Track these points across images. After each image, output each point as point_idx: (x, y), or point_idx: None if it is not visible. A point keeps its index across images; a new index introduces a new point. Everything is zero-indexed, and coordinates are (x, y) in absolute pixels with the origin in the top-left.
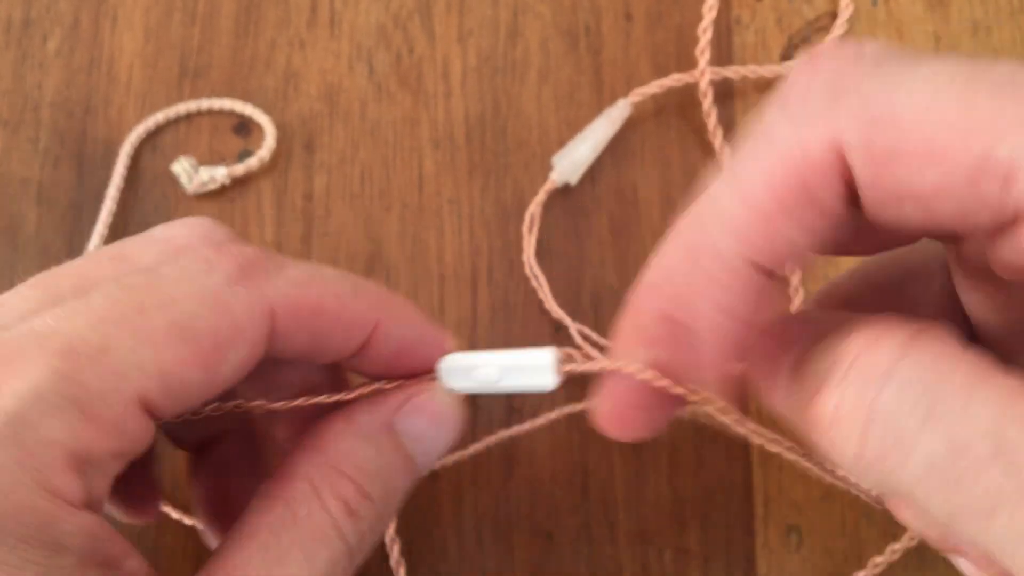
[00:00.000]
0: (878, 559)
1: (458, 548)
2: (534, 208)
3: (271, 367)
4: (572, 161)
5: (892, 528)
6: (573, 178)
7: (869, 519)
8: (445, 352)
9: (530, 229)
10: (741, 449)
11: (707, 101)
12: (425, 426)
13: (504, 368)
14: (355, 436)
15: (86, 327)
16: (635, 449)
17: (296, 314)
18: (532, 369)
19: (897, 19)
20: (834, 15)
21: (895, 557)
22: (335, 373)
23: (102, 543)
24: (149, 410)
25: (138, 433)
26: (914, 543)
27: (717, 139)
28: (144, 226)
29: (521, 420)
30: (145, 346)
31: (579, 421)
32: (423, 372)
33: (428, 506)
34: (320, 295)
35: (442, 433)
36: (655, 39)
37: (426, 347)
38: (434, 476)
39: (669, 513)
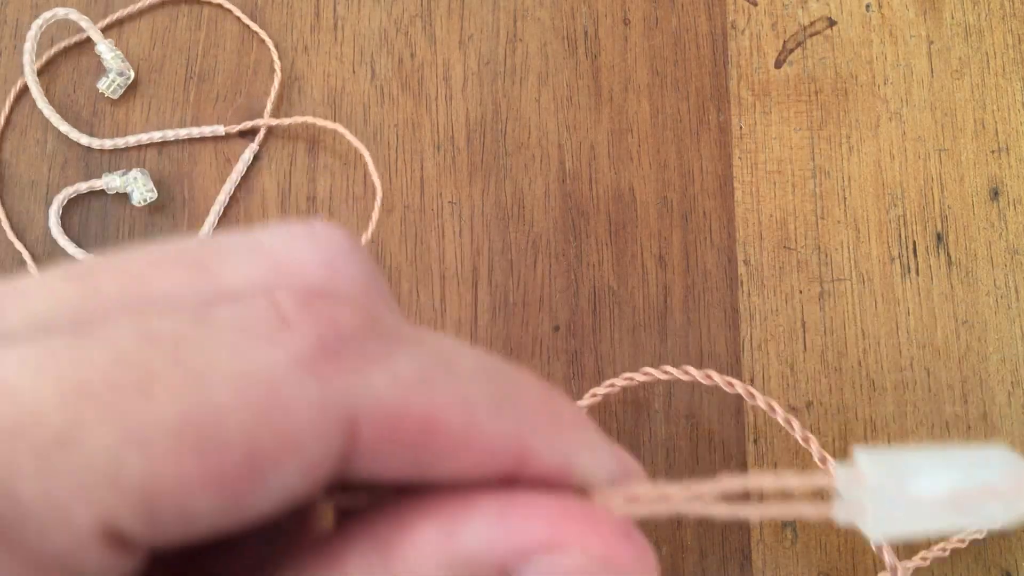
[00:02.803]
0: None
1: None
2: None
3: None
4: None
5: None
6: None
7: None
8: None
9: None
10: (737, 446)
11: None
12: None
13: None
14: (444, 560)
15: (51, 394)
16: (632, 447)
17: (393, 430)
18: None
19: (890, 23)
20: (829, 19)
21: (924, 563)
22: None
23: None
24: (119, 542)
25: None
26: (945, 554)
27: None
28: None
29: None
30: (131, 445)
31: None
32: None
33: None
34: (439, 402)
35: None
36: (652, 43)
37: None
38: None
39: None
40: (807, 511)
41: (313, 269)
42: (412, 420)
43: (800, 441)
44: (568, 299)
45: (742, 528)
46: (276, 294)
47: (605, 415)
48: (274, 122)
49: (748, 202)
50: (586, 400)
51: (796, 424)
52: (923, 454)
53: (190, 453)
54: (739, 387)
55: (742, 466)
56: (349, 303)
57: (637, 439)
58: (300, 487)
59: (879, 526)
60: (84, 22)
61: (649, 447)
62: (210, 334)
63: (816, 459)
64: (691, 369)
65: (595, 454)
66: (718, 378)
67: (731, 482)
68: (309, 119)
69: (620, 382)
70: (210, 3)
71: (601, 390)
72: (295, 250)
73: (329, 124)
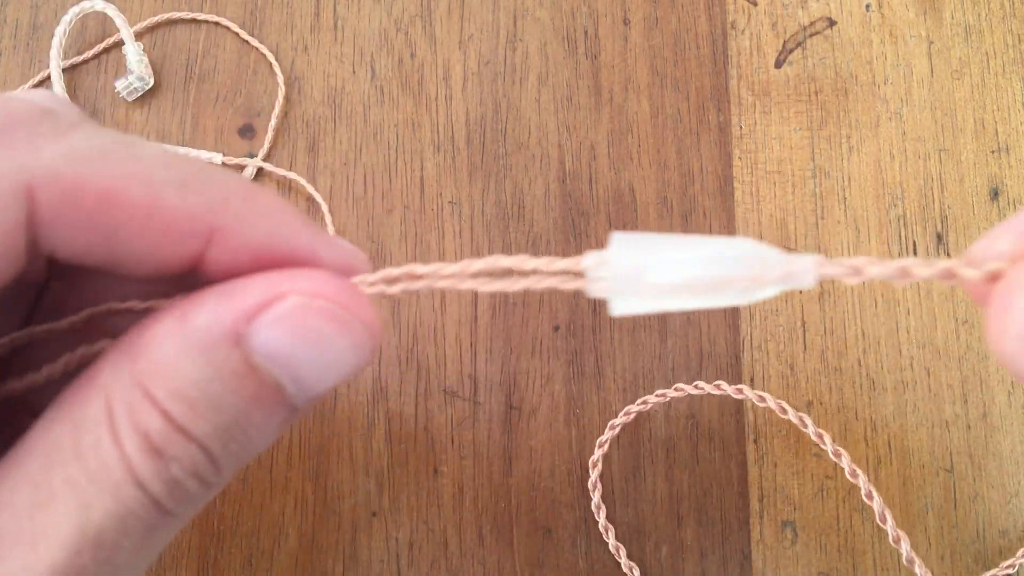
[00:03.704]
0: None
1: (459, 543)
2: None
3: (66, 290)
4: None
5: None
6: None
7: (863, 515)
8: (353, 271)
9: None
10: (737, 446)
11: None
12: (295, 344)
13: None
14: (181, 343)
15: None
16: (633, 445)
17: (72, 199)
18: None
19: (890, 23)
20: (829, 20)
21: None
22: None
23: None
24: None
25: None
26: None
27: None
28: None
29: (520, 418)
30: None
31: (578, 418)
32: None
33: (429, 501)
34: (117, 176)
35: (328, 355)
36: (652, 43)
37: (313, 264)
38: (435, 472)
39: (666, 508)
40: (562, 284)
41: (8, 94)
42: (90, 190)
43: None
44: (568, 299)
45: (742, 528)
46: None
47: (607, 414)
48: (266, 166)
49: (748, 202)
50: (620, 418)
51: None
52: (671, 242)
53: None
54: (776, 406)
55: (742, 465)
56: (24, 100)
57: (638, 438)
58: None
59: (621, 304)
60: (119, 20)
61: (649, 446)
62: None
63: (831, 453)
64: (724, 384)
65: (304, 234)
66: (748, 391)
67: (498, 260)
68: (293, 175)
69: (652, 398)
70: (206, 22)
71: (634, 407)
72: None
73: (311, 189)
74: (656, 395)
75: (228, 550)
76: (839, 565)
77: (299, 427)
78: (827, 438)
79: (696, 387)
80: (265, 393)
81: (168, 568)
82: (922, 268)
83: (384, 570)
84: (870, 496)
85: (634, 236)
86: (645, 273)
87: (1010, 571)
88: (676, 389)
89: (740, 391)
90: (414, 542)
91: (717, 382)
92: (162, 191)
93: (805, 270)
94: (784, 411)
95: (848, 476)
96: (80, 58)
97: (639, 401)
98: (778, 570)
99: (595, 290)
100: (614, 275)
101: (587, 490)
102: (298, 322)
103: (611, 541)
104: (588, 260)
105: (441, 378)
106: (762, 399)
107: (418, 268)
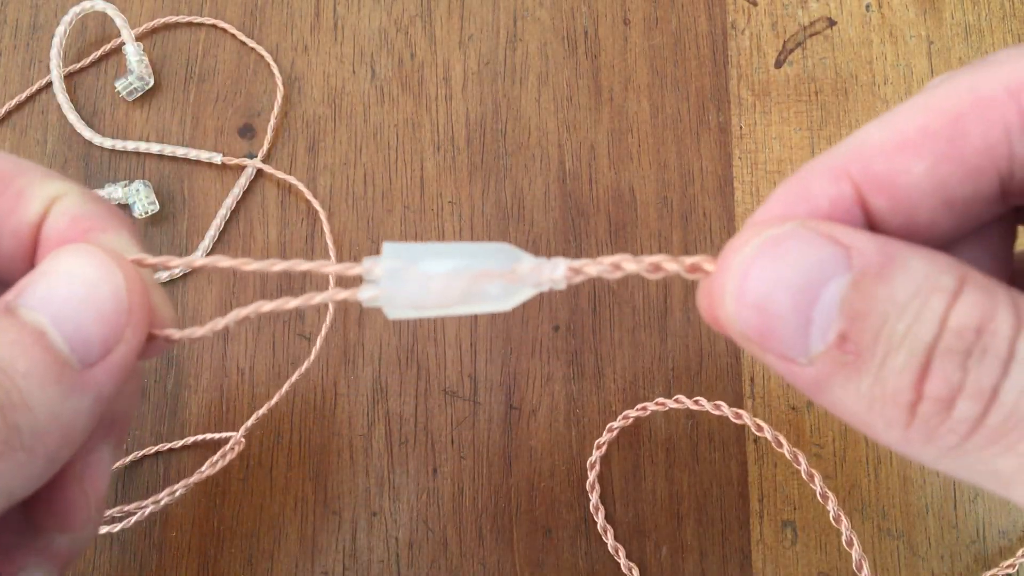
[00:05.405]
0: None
1: (459, 543)
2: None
3: None
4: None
5: (886, 524)
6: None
7: (863, 514)
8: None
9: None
10: (737, 446)
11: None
12: (46, 289)
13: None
14: None
15: None
16: (632, 445)
17: None
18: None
19: (890, 23)
20: (829, 20)
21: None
22: None
23: None
24: None
25: None
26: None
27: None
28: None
29: (520, 418)
30: None
31: (578, 418)
32: None
33: (429, 501)
34: None
35: (73, 291)
36: (652, 43)
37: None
38: (434, 471)
39: (666, 508)
40: (339, 295)
41: None
42: None
43: (804, 476)
44: (568, 299)
45: (742, 528)
46: None
47: (607, 414)
48: (266, 168)
49: (748, 202)
50: (618, 422)
51: (803, 459)
52: (439, 246)
53: None
54: (747, 419)
55: (742, 465)
56: None
57: (638, 438)
58: None
59: (394, 306)
60: (119, 19)
61: (650, 446)
62: None
63: (819, 495)
64: (723, 405)
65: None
66: (748, 418)
67: (272, 264)
68: (292, 179)
69: (652, 406)
70: (204, 24)
71: (633, 412)
72: None
73: (303, 188)
74: (656, 403)
75: (228, 550)
76: (839, 565)
77: (299, 427)
78: (801, 458)
79: (677, 400)
80: (26, 337)
81: (168, 568)
82: (632, 264)
83: (384, 570)
84: (807, 473)
85: (405, 244)
86: (415, 268)
87: (1010, 571)
88: (657, 403)
89: (718, 407)
90: (414, 542)
91: (696, 398)
92: (22, 163)
93: (555, 267)
94: (760, 428)
95: (803, 478)
96: (79, 62)
97: (638, 407)
98: (778, 570)
99: (367, 298)
100: (386, 272)
101: (586, 490)
102: (51, 263)
103: (610, 541)
104: (365, 263)
105: (441, 378)
106: (738, 416)
107: (173, 260)
